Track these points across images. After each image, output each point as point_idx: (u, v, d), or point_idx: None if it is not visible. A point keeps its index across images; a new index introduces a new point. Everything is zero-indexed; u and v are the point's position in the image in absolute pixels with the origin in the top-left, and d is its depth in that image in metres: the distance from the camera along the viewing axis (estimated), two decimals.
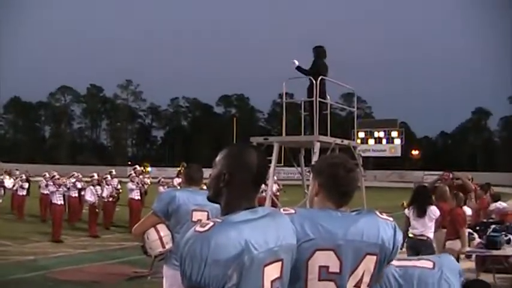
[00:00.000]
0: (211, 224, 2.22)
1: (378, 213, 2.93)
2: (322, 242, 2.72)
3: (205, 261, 2.12)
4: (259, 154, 2.50)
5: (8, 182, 23.17)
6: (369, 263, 2.78)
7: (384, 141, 62.91)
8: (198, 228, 2.21)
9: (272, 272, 2.33)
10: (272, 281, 2.33)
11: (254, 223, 2.31)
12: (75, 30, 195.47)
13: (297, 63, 12.41)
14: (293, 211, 2.81)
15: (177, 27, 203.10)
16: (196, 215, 5.20)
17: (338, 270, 2.73)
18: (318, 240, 2.72)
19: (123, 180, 23.38)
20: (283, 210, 2.81)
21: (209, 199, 2.56)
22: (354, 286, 2.77)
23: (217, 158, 2.51)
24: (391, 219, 2.93)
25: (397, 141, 63.07)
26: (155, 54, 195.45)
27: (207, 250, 2.13)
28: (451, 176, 12.67)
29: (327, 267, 2.73)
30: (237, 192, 2.42)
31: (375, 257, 2.78)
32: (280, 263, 2.38)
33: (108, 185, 19.55)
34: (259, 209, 2.43)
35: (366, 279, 2.79)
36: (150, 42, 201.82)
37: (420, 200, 9.22)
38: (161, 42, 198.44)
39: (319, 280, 2.73)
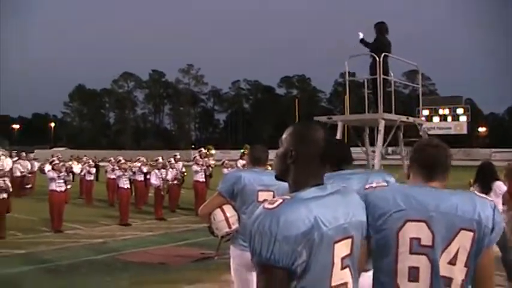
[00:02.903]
0: (280, 200, 2.21)
1: (475, 192, 2.88)
2: (413, 213, 2.68)
3: (275, 238, 2.11)
4: (325, 130, 2.46)
5: (76, 168, 23.67)
6: (464, 240, 2.66)
7: (449, 118, 61.79)
8: (267, 205, 2.20)
9: (342, 249, 2.31)
10: (342, 258, 2.32)
11: (323, 200, 2.29)
12: (135, 18, 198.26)
13: (361, 35, 12.19)
14: (385, 184, 2.95)
15: (236, 9, 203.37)
16: (262, 195, 5.19)
17: (430, 244, 2.66)
18: (409, 211, 2.68)
19: (187, 163, 23.64)
20: (376, 183, 2.90)
21: (277, 177, 2.55)
22: (448, 263, 2.67)
23: (283, 136, 2.50)
24: (490, 198, 2.82)
25: (463, 118, 61.84)
26: (215, 38, 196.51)
27: (276, 227, 2.12)
28: None
29: (419, 239, 2.66)
30: (304, 169, 2.40)
31: (471, 234, 2.66)
32: (350, 240, 2.36)
33: (172, 168, 19.76)
34: (328, 186, 2.41)
35: (462, 257, 2.67)
36: (210, 26, 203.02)
37: (485, 176, 8.97)
38: (221, 26, 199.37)
39: (411, 253, 2.67)
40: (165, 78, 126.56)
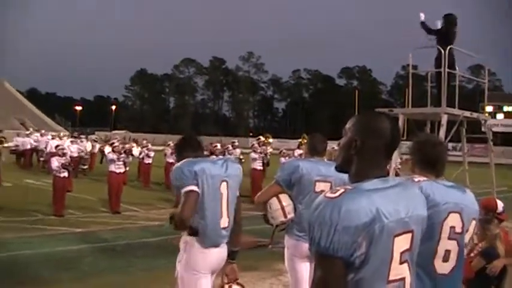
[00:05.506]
0: (342, 190, 2.17)
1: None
2: (453, 206, 3.26)
3: (335, 228, 2.08)
4: (392, 121, 2.41)
5: (136, 151, 23.97)
6: (471, 228, 3.37)
7: None
8: (329, 194, 2.17)
9: (402, 243, 2.26)
10: (402, 253, 2.27)
11: (385, 192, 2.25)
12: (197, 5, 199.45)
13: (423, 17, 11.84)
14: (425, 178, 3.31)
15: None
16: (320, 186, 5.16)
17: (460, 231, 3.28)
18: (450, 204, 3.25)
19: (245, 151, 23.69)
20: (415, 178, 3.30)
21: (337, 168, 2.49)
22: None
23: (348, 125, 2.45)
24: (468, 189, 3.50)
25: None
26: (276, 26, 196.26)
27: (337, 216, 2.09)
28: None
29: (454, 227, 3.25)
30: (368, 160, 2.35)
31: (474, 222, 3.40)
32: (410, 234, 2.31)
33: (230, 154, 19.80)
34: (389, 179, 2.36)
35: (466, 240, 3.37)
36: (271, 14, 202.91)
37: None
38: (282, 15, 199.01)
39: (448, 239, 3.24)
40: (225, 65, 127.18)
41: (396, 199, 2.26)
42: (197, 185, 4.46)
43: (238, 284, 4.90)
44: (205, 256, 4.59)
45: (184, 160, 4.64)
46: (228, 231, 4.75)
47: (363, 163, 2.35)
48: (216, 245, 4.63)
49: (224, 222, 4.68)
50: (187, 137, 5.04)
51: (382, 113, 2.48)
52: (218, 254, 4.69)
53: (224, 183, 4.68)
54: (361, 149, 2.34)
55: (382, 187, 2.25)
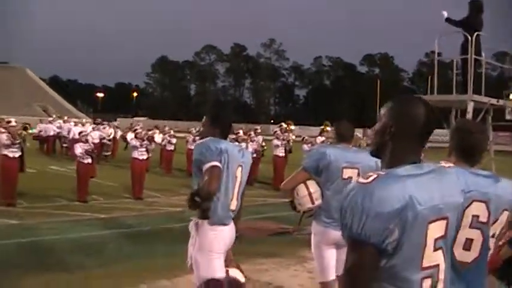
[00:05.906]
0: (375, 176, 2.15)
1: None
2: (478, 194, 3.07)
3: (367, 214, 2.07)
4: (427, 106, 2.37)
5: (158, 137, 24.06)
6: (504, 218, 3.19)
7: None
8: (361, 179, 2.16)
9: (436, 230, 2.23)
10: (435, 239, 2.24)
11: (419, 178, 2.22)
12: None
13: (446, 14, 11.69)
14: (452, 164, 3.20)
15: None
16: (347, 172, 5.14)
17: (485, 220, 3.10)
18: (475, 192, 3.05)
19: (266, 138, 23.68)
20: (443, 163, 3.13)
21: (372, 153, 2.48)
22: (491, 236, 3.17)
23: (382, 111, 2.42)
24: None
25: None
26: (298, 13, 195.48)
27: (369, 202, 2.08)
28: None
29: (478, 216, 3.10)
30: (403, 145, 2.32)
31: (507, 213, 3.19)
32: (445, 221, 2.28)
33: (252, 141, 19.78)
34: (424, 165, 2.33)
35: (497, 231, 3.21)
36: (294, 1, 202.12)
37: None
38: (305, 1, 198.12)
39: (470, 227, 3.08)
40: (246, 52, 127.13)
41: (431, 185, 2.23)
42: (220, 162, 4.55)
43: (234, 266, 4.97)
44: (217, 235, 4.72)
45: (209, 138, 4.73)
46: (234, 214, 4.89)
47: (398, 149, 2.32)
48: (225, 224, 4.78)
49: (233, 204, 4.84)
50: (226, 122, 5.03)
51: (417, 97, 2.45)
52: (228, 233, 4.83)
53: (240, 168, 4.83)
54: (396, 134, 2.32)
55: (415, 173, 2.22)
